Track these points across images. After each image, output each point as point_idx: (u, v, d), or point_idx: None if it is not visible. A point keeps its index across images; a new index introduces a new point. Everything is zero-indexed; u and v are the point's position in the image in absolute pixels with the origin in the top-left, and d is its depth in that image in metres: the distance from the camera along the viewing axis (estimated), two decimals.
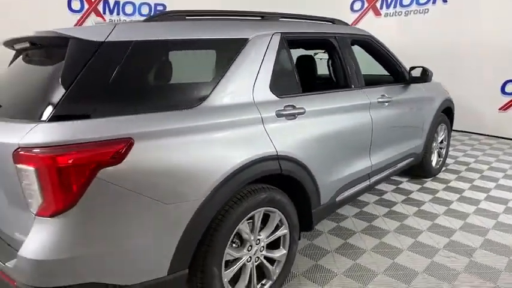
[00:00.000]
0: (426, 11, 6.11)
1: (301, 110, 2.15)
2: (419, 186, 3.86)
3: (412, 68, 3.29)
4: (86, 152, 1.36)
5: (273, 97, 2.05)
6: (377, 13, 6.69)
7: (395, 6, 6.45)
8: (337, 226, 3.04)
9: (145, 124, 1.53)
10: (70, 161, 1.33)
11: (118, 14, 5.80)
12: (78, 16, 5.31)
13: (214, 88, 1.79)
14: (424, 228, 2.97)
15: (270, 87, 2.04)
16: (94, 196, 1.38)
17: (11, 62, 2.10)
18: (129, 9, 5.86)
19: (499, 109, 5.60)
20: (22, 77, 1.73)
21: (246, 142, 1.85)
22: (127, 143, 1.44)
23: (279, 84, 2.10)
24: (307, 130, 2.20)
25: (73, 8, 5.27)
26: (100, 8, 5.54)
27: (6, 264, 1.45)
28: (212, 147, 1.71)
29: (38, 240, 1.37)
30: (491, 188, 3.78)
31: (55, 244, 1.36)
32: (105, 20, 5.52)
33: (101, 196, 1.40)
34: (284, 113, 2.05)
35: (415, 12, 6.17)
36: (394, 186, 3.87)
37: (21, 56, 1.90)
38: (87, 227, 1.40)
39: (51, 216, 1.35)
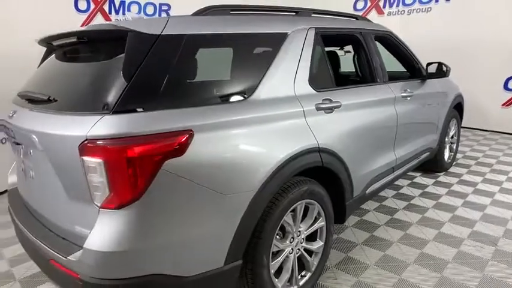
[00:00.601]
0: (429, 9, 6.22)
1: (338, 104, 2.18)
2: (433, 180, 3.93)
3: (429, 64, 3.36)
4: (152, 143, 1.37)
5: (312, 91, 2.08)
6: (380, 12, 6.78)
7: (398, 5, 6.55)
8: (360, 220, 3.08)
9: (203, 116, 1.54)
10: (138, 153, 1.34)
11: (124, 13, 5.77)
12: (84, 16, 5.28)
13: (260, 82, 1.82)
14: (446, 219, 3.03)
15: (309, 81, 2.07)
16: (159, 188, 1.39)
17: (44, 59, 2.10)
18: (134, 9, 5.84)
19: (502, 105, 5.73)
20: (74, 72, 1.72)
21: (291, 134, 1.88)
22: (188, 135, 1.45)
23: (316, 78, 2.14)
24: (343, 123, 2.23)
25: (79, 8, 5.24)
26: (106, 8, 5.52)
27: (68, 258, 1.44)
28: (262, 139, 1.73)
29: (103, 232, 1.37)
30: (503, 180, 3.87)
31: (121, 236, 1.36)
32: (110, 20, 5.50)
33: (165, 188, 1.40)
34: (323, 106, 2.09)
35: (418, 10, 6.28)
36: (409, 181, 3.94)
37: (61, 52, 1.89)
38: (152, 218, 1.41)
39: (118, 208, 1.36)
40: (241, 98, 1.73)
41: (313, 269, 2.15)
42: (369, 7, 6.90)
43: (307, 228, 2.08)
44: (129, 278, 1.40)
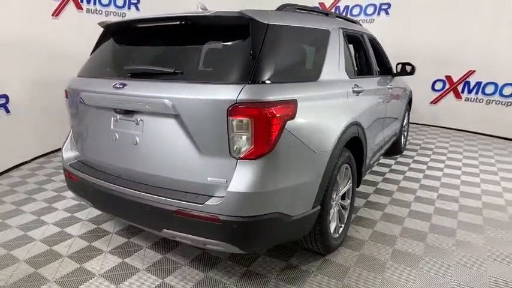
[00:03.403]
0: (372, 20, 7.29)
1: (362, 89, 2.75)
2: (394, 161, 4.79)
3: (398, 64, 4.15)
4: (281, 107, 1.75)
5: (347, 77, 2.61)
6: None
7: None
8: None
9: (300, 90, 1.96)
10: (275, 114, 1.71)
11: (94, 4, 5.64)
12: (56, 3, 5.05)
13: (323, 66, 2.28)
14: (416, 187, 3.84)
15: (345, 69, 2.60)
16: (282, 143, 1.77)
17: (100, 42, 2.28)
18: (105, 0, 5.75)
19: (430, 103, 7.01)
20: (197, 50, 1.95)
21: (343, 110, 2.39)
22: (296, 103, 1.86)
23: (347, 67, 2.68)
24: (364, 104, 2.81)
25: None
26: None
27: (206, 203, 1.73)
28: (331, 111, 2.21)
29: (243, 178, 1.70)
30: (444, 159, 4.90)
31: (257, 180, 1.71)
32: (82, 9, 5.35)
33: (285, 143, 1.79)
34: (355, 90, 2.63)
35: (363, 21, 7.30)
36: (377, 162, 4.74)
37: (169, 33, 2.09)
38: (277, 167, 1.78)
39: (256, 158, 1.70)
40: (315, 78, 2.18)
41: (345, 221, 2.67)
42: None
43: (343, 187, 2.60)
44: (260, 215, 1.75)
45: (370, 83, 3.12)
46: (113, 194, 2.04)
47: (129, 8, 6.07)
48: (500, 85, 6.14)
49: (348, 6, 7.55)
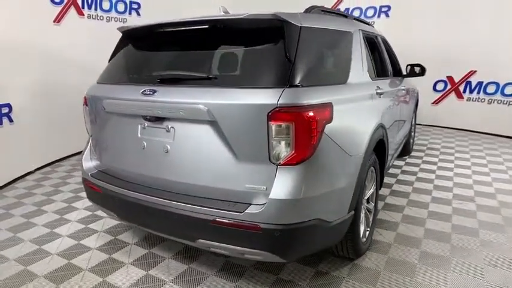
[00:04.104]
0: (373, 23, 7.32)
1: (383, 90, 2.73)
2: (403, 163, 4.78)
3: (408, 65, 4.15)
4: (321, 111, 1.71)
5: (369, 79, 2.58)
6: None
7: None
8: None
9: (334, 93, 1.92)
10: (316, 118, 1.66)
11: (96, 9, 5.55)
12: (59, 8, 4.95)
13: (350, 68, 2.25)
14: (430, 188, 3.83)
15: (368, 72, 2.57)
16: (321, 147, 1.73)
17: (119, 48, 2.22)
18: (106, 5, 5.66)
19: (432, 103, 7.05)
20: (229, 54, 1.91)
21: (370, 112, 2.36)
22: (332, 106, 1.82)
23: (369, 69, 2.65)
24: (386, 106, 2.79)
25: (54, 0, 4.89)
26: (79, 2, 5.24)
27: (246, 212, 1.67)
28: (361, 113, 2.18)
29: (285, 184, 1.65)
30: (453, 159, 4.92)
31: (299, 187, 1.66)
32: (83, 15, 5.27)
33: (324, 147, 1.74)
34: (378, 91, 2.61)
35: None
36: None
37: (198, 37, 2.02)
38: (317, 172, 1.73)
39: (297, 164, 1.65)
40: (345, 80, 2.14)
41: (370, 224, 2.64)
42: None
43: (369, 191, 2.57)
44: (302, 222, 1.70)
45: (388, 85, 3.10)
46: (142, 204, 1.97)
47: (130, 13, 6.00)
48: (501, 84, 6.21)
49: (349, 8, 7.58)
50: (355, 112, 2.10)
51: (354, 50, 2.41)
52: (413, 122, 5.08)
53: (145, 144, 1.99)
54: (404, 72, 4.07)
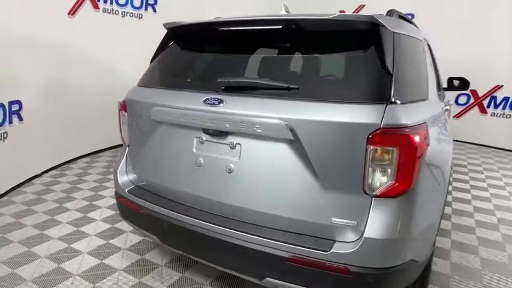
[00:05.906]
0: None
1: (446, 107, 2.48)
2: None
3: (450, 78, 3.91)
4: (423, 132, 1.44)
5: (437, 94, 2.33)
6: None
7: None
8: None
9: (426, 111, 1.66)
10: (422, 141, 1.39)
11: (111, 3, 5.24)
12: (72, 1, 4.64)
13: (428, 82, 1.99)
14: (470, 209, 3.59)
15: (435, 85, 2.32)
16: (420, 175, 1.45)
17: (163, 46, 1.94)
18: (122, 0, 5.37)
19: (453, 117, 6.85)
20: (314, 61, 1.63)
21: (446, 130, 2.10)
22: (427, 127, 1.56)
23: (436, 82, 2.40)
24: (448, 123, 2.53)
25: None
26: None
27: (332, 251, 1.40)
28: (442, 134, 1.91)
29: (383, 219, 1.38)
30: (484, 178, 4.70)
31: (399, 223, 1.39)
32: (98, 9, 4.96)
33: (422, 175, 1.47)
34: (446, 108, 2.36)
35: None
36: None
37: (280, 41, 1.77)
38: (417, 206, 1.45)
39: (396, 196, 1.38)
40: (427, 97, 1.87)
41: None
42: None
43: None
44: (397, 265, 1.43)
45: (444, 99, 2.86)
46: (196, 231, 1.67)
47: (146, 9, 5.71)
48: None
49: None
50: (439, 133, 1.84)
51: (426, 62, 2.15)
52: None
53: (202, 161, 1.70)
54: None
